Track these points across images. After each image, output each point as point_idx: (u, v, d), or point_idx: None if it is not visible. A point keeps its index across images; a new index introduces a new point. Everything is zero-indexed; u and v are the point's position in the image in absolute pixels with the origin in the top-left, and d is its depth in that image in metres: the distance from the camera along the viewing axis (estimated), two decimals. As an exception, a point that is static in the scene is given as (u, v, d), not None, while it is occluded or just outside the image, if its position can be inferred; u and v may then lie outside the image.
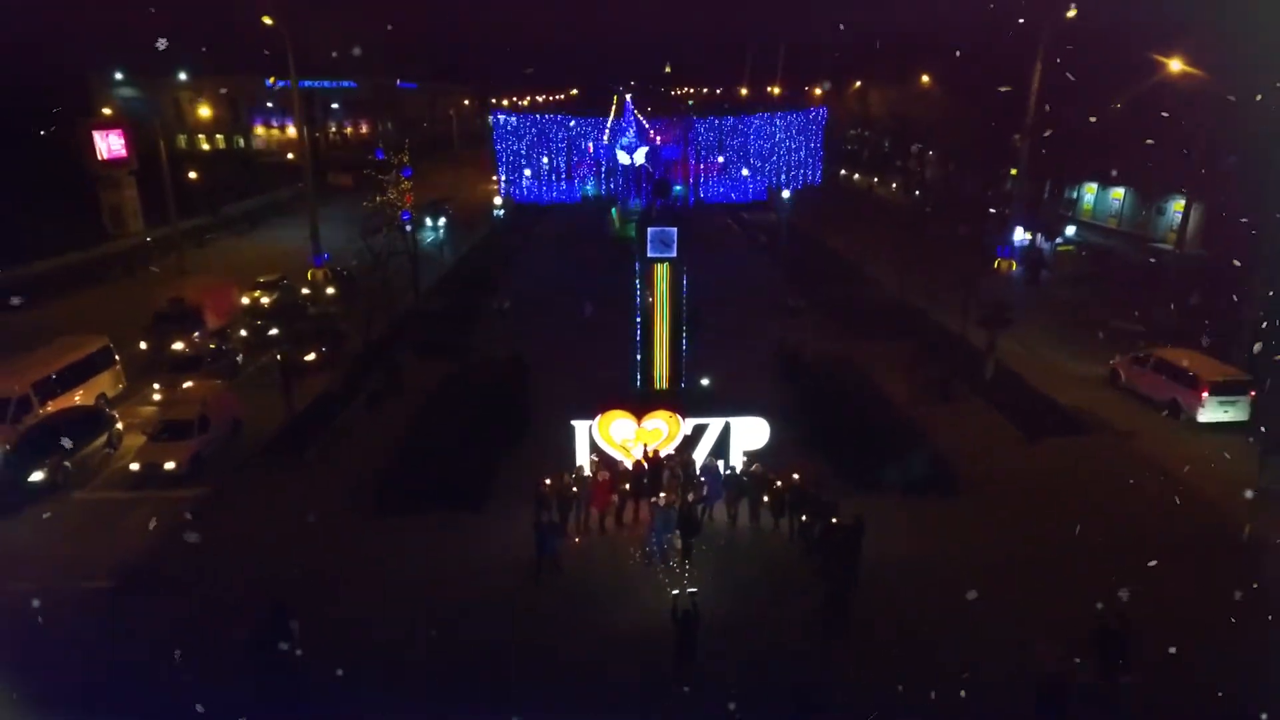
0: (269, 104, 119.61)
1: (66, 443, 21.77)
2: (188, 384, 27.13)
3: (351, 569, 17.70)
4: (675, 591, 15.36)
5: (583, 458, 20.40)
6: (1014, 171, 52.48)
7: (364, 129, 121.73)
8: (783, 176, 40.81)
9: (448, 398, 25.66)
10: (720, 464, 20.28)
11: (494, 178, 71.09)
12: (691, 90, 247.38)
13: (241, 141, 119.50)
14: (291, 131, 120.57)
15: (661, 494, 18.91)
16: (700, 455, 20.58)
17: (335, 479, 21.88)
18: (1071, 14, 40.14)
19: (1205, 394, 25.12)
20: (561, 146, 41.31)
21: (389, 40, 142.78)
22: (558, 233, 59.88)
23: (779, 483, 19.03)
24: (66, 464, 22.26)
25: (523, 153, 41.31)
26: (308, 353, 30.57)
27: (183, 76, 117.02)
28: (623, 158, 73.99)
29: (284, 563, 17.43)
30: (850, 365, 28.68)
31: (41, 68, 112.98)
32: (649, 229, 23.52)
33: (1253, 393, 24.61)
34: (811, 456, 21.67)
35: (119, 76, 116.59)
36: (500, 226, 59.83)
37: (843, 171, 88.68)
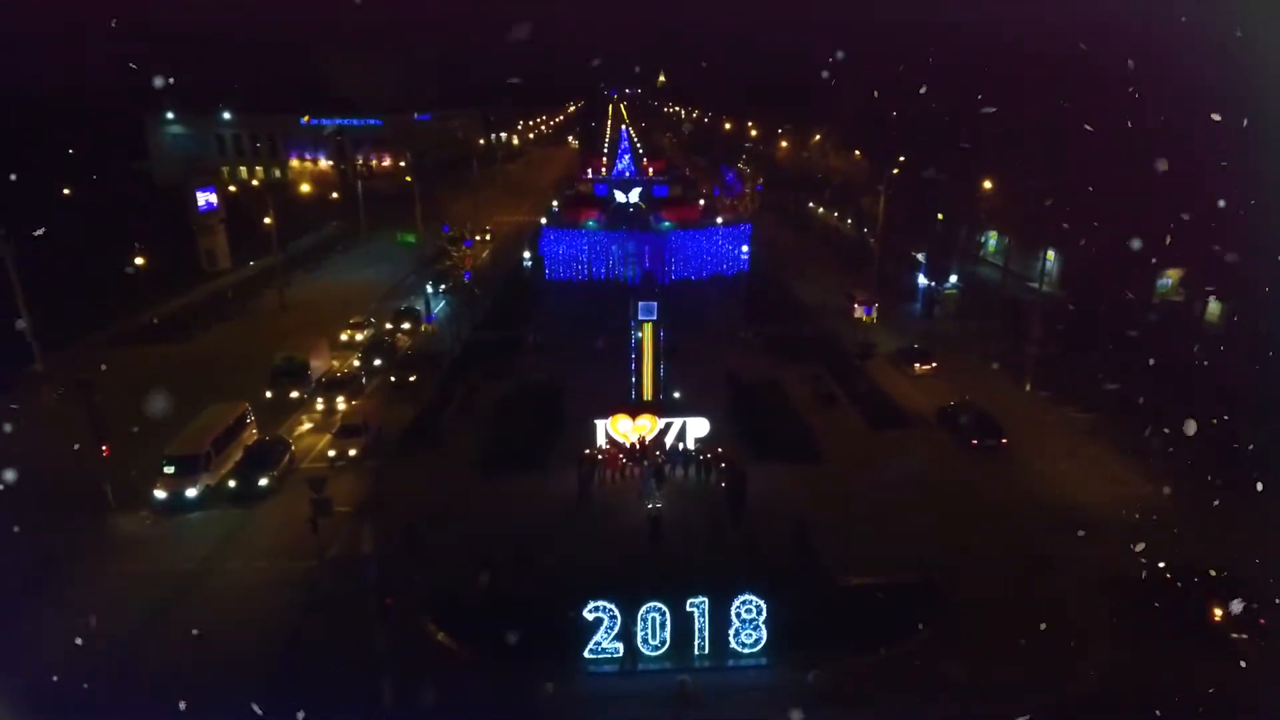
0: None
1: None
2: (339, 398, 41.76)
3: (474, 505, 32.31)
4: (649, 506, 30.14)
5: (600, 441, 35.12)
6: (940, 216, 67.68)
7: (387, 161, 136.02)
8: (724, 265, 55.98)
9: (511, 405, 40.45)
10: (680, 445, 35.06)
11: (516, 208, 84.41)
12: (680, 110, 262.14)
13: (278, 172, 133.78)
14: (324, 163, 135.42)
15: (646, 461, 33.68)
16: (669, 439, 35.32)
17: (453, 457, 36.58)
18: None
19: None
20: (597, 253, 53.65)
21: (406, 77, 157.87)
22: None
23: (708, 455, 33.91)
24: (275, 472, 34.80)
25: (562, 255, 55.65)
26: (410, 375, 45.14)
27: (226, 115, 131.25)
28: (619, 196, 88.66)
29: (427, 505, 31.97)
30: (773, 383, 43.56)
31: (101, 111, 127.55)
32: (639, 302, 38.15)
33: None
34: (736, 440, 36.44)
35: (169, 115, 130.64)
36: (527, 274, 69.74)
37: (810, 204, 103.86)
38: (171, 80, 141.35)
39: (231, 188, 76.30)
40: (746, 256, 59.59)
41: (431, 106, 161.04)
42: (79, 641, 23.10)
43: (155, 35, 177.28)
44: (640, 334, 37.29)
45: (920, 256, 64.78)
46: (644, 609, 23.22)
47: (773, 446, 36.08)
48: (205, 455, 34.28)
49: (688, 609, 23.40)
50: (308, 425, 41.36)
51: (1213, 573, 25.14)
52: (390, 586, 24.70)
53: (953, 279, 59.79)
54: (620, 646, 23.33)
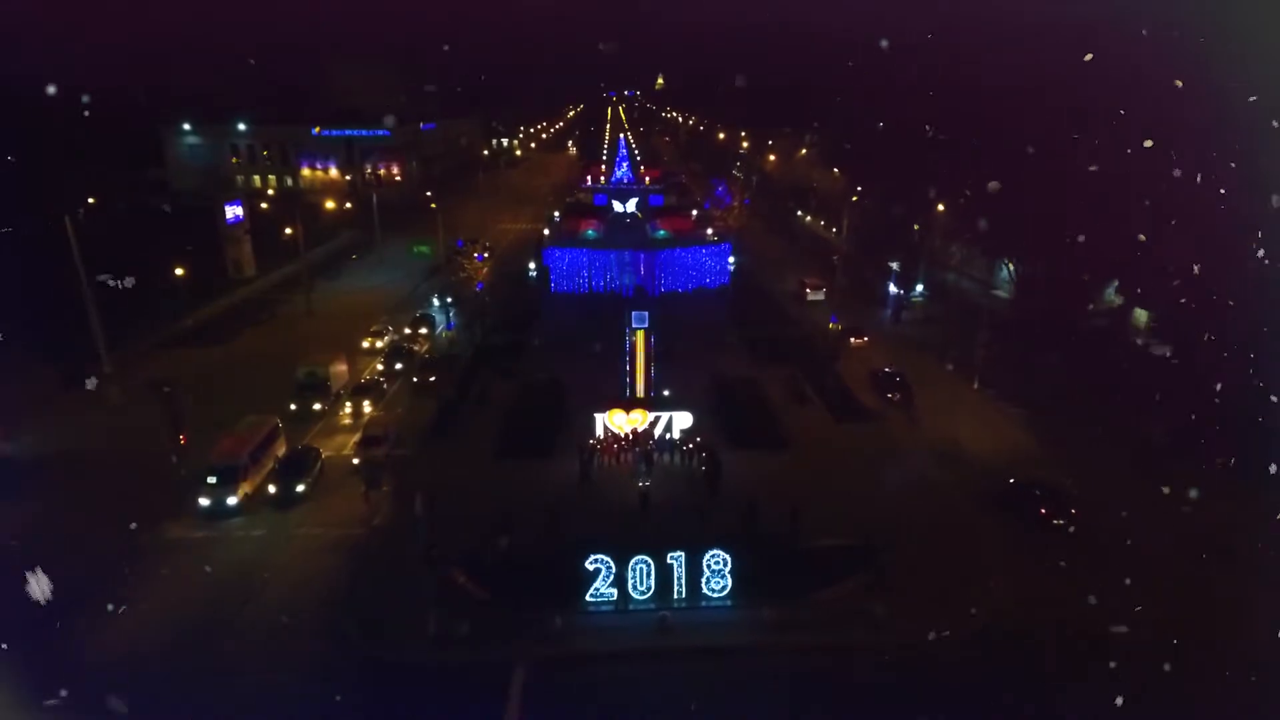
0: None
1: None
2: (365, 402, 47.43)
3: (491, 485, 38.16)
4: (640, 485, 36.10)
5: (599, 432, 41.01)
6: (916, 226, 73.72)
7: (395, 169, 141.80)
8: (708, 279, 62.28)
9: (520, 400, 46.35)
10: (667, 435, 40.98)
11: (518, 215, 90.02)
12: (678, 115, 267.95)
13: (290, 181, 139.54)
14: (334, 172, 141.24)
15: (638, 448, 39.60)
16: (658, 431, 41.22)
17: (471, 444, 42.47)
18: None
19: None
20: (597, 268, 59.99)
21: (411, 87, 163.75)
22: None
23: (690, 444, 39.87)
24: (310, 479, 38.64)
25: (564, 269, 61.48)
26: (430, 376, 50.91)
27: (241, 127, 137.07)
28: (617, 205, 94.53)
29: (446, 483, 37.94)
30: (752, 381, 49.49)
31: (120, 122, 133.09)
32: (632, 312, 44.07)
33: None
34: (715, 431, 42.34)
35: (185, 126, 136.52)
36: (532, 283, 75.56)
37: (799, 212, 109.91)
38: (188, 93, 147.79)
39: (264, 205, 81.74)
40: (728, 270, 65.66)
41: (436, 115, 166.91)
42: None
43: (171, 48, 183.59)
44: (634, 339, 43.29)
45: (894, 265, 70.81)
46: (633, 561, 29.15)
47: (747, 437, 42.04)
48: (243, 466, 37.18)
49: (668, 562, 29.33)
50: (347, 419, 47.17)
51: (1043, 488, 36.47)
52: (430, 543, 30.72)
53: (919, 288, 65.69)
54: (614, 591, 29.25)
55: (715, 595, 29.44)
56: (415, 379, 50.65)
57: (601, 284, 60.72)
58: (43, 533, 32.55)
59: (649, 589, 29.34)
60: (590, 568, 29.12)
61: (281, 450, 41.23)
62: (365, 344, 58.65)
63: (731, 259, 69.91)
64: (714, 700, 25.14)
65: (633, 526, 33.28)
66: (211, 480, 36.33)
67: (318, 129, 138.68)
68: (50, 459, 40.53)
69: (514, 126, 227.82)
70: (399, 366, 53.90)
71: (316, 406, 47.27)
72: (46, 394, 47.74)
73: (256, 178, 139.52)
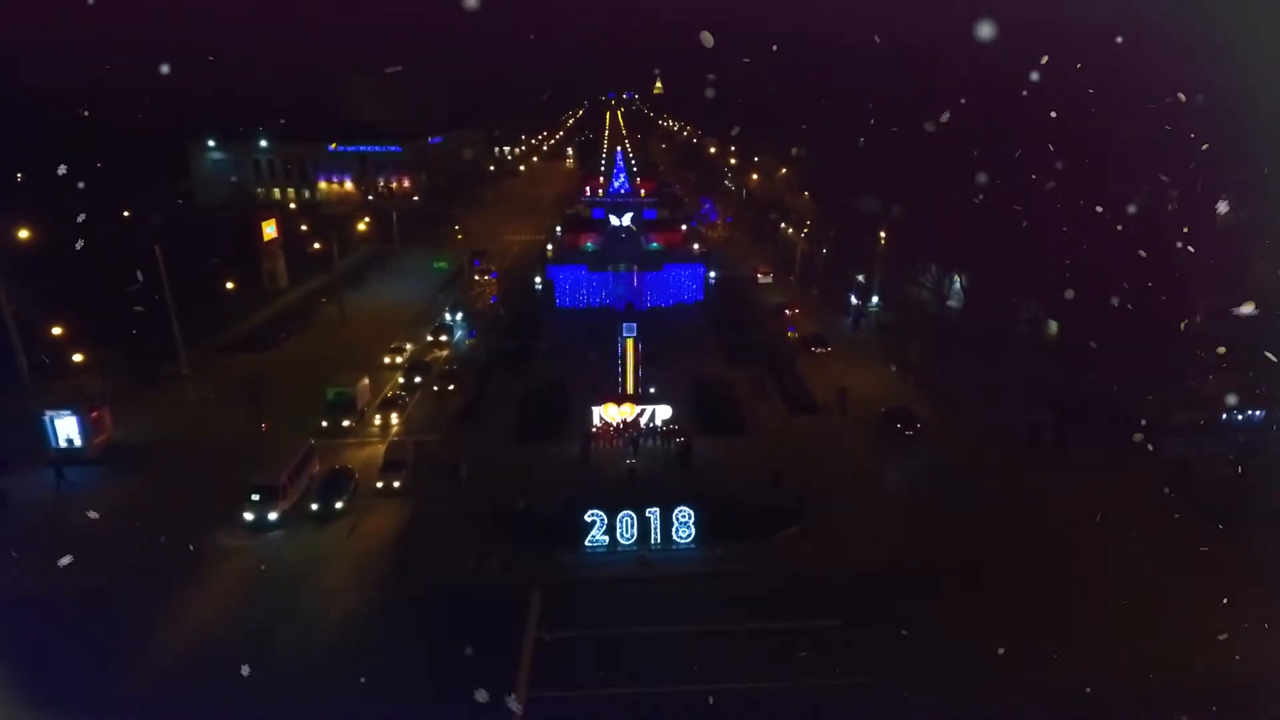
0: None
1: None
2: (393, 414, 56.46)
3: (510, 462, 47.76)
4: (628, 462, 45.86)
5: (595, 421, 50.70)
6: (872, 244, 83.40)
7: (406, 183, 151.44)
8: (685, 296, 72.20)
9: (531, 398, 56.03)
10: (650, 424, 50.69)
11: (521, 226, 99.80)
12: (673, 124, 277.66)
13: (308, 193, 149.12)
14: (349, 185, 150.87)
15: (627, 434, 49.31)
16: (643, 420, 50.89)
17: (494, 430, 52.13)
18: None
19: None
20: (594, 286, 69.18)
21: (418, 103, 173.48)
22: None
23: (668, 430, 49.65)
24: (347, 496, 42.89)
25: (567, 287, 71.32)
26: (450, 385, 60.03)
27: (263, 144, 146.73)
28: (613, 220, 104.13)
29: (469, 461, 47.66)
30: (723, 380, 59.16)
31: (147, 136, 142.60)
32: (623, 323, 53.69)
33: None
34: (690, 420, 52.01)
35: (210, 143, 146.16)
36: (537, 295, 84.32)
37: (782, 224, 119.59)
38: (214, 111, 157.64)
39: (304, 226, 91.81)
40: (701, 289, 75.88)
41: (442, 129, 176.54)
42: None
43: (195, 68, 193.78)
44: (624, 346, 52.97)
45: (860, 278, 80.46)
46: (620, 515, 38.80)
47: (715, 425, 51.75)
48: (282, 485, 41.65)
49: (646, 516, 38.98)
50: (375, 431, 54.90)
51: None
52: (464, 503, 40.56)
53: (874, 299, 75.40)
54: (606, 538, 38.90)
55: (682, 542, 39.12)
56: (435, 388, 59.42)
57: (598, 300, 70.46)
58: (148, 502, 42.39)
59: (632, 536, 38.98)
60: (588, 520, 38.78)
61: (316, 468, 46.05)
62: (386, 359, 65.06)
63: (713, 273, 79.83)
64: (675, 610, 34.88)
65: (621, 492, 42.89)
66: (255, 497, 40.90)
67: (334, 145, 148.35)
68: (150, 445, 50.07)
69: (515, 136, 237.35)
70: (418, 380, 60.70)
71: (346, 423, 52.86)
72: (134, 390, 57.30)
73: (276, 190, 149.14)
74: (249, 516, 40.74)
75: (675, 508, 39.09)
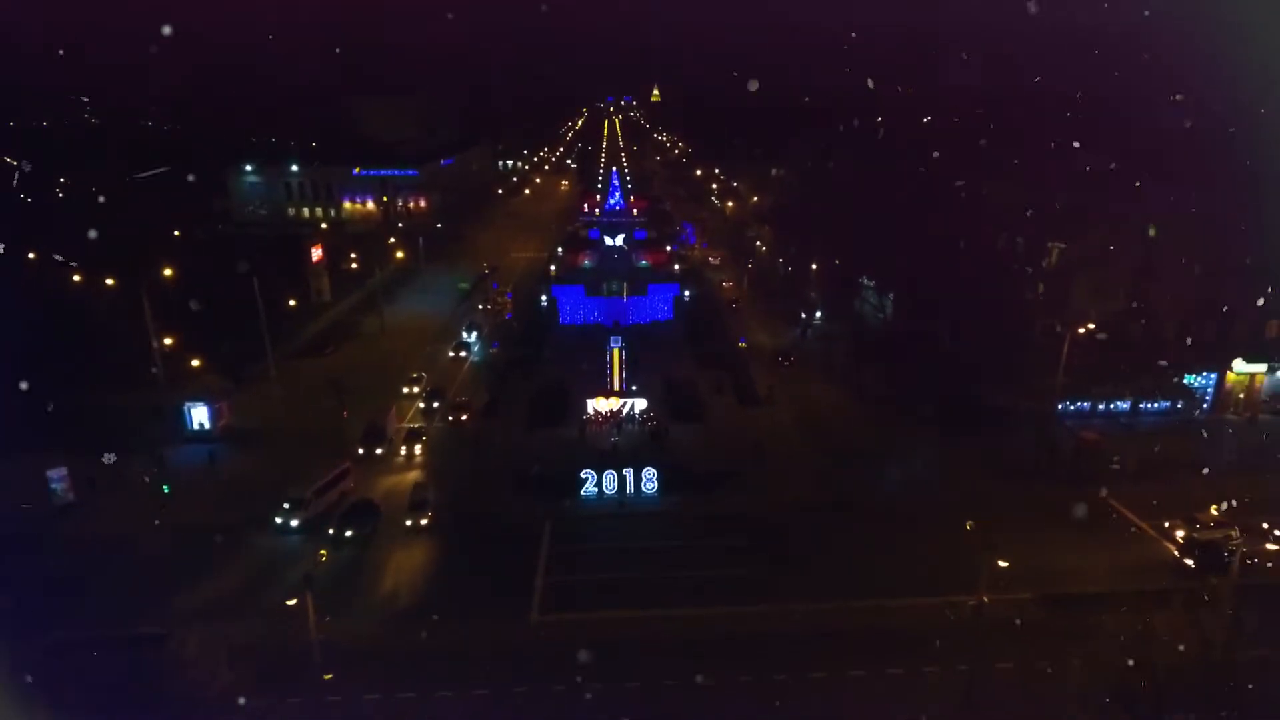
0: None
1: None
2: (417, 446, 72.39)
3: (523, 442, 64.40)
4: (613, 439, 62.77)
5: (589, 411, 67.45)
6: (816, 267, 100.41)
7: (423, 203, 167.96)
8: (659, 315, 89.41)
9: (538, 394, 72.76)
10: (632, 412, 67.47)
11: (526, 243, 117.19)
12: (667, 139, 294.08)
13: (333, 212, 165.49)
14: (370, 205, 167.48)
15: (613, 421, 66.12)
16: (625, 410, 67.64)
17: (510, 420, 68.83)
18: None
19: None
20: (589, 306, 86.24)
21: (432, 128, 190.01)
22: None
23: (645, 418, 66.54)
24: (363, 532, 49.53)
25: (569, 307, 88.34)
26: (463, 415, 75.26)
27: (294, 168, 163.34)
28: (607, 240, 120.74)
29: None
30: (691, 381, 75.95)
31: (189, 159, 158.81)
32: (610, 336, 70.45)
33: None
34: (661, 410, 68.76)
35: (247, 167, 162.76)
36: (542, 309, 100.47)
37: (757, 242, 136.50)
38: (252, 139, 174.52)
39: (353, 258, 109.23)
40: (671, 310, 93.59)
41: (452, 148, 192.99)
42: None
43: (228, 101, 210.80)
44: (612, 354, 69.72)
45: (813, 294, 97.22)
46: (605, 474, 55.57)
47: (680, 414, 68.59)
48: (308, 500, 49.90)
49: (623, 474, 55.73)
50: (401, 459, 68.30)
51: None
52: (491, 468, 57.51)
53: (818, 314, 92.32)
54: (596, 490, 55.66)
55: (648, 492, 55.93)
56: (450, 417, 68.76)
57: (593, 318, 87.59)
58: (266, 470, 58.81)
59: (614, 488, 55.75)
60: (583, 477, 55.63)
61: (351, 485, 54.40)
62: (405, 389, 73.87)
63: (688, 292, 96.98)
64: (642, 534, 51.76)
65: (607, 460, 59.60)
66: (286, 506, 49.26)
67: (358, 169, 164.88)
68: (257, 429, 66.50)
69: (518, 151, 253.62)
70: (435, 405, 70.38)
71: (379, 451, 61.41)
72: (228, 387, 73.69)
73: (305, 210, 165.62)
74: (278, 521, 49.31)
75: (644, 469, 55.93)
